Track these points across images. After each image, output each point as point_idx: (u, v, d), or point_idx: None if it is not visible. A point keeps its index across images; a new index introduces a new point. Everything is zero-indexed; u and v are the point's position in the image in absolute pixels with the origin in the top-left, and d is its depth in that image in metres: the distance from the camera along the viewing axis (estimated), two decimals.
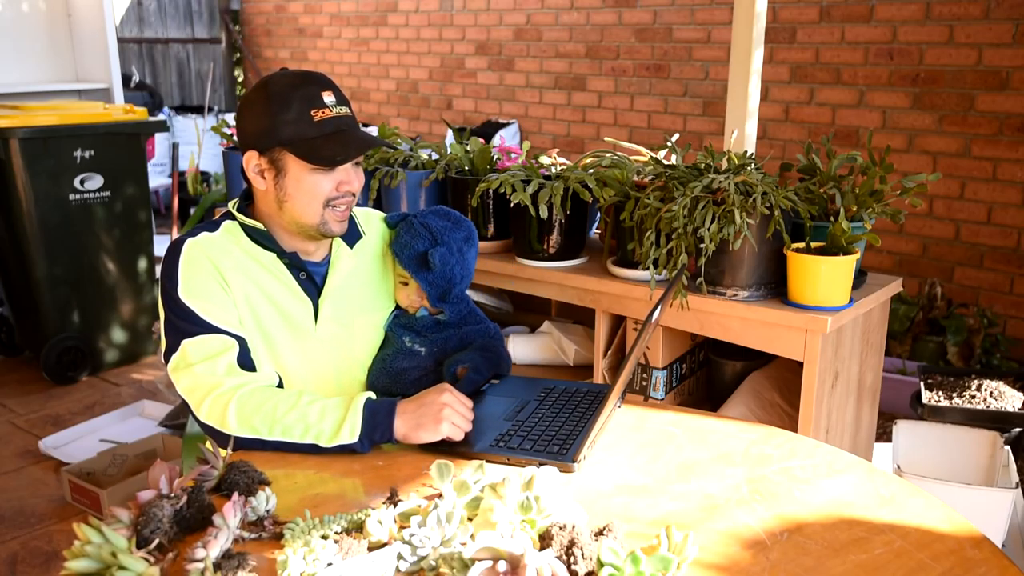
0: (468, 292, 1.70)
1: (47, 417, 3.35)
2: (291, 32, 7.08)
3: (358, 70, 6.55)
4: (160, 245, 4.12)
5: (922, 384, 2.89)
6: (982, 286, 3.75)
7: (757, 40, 2.45)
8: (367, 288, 1.64)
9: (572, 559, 0.95)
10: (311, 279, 1.56)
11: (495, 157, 2.29)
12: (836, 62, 4.04)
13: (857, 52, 3.97)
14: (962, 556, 1.06)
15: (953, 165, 3.75)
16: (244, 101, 1.51)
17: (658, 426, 1.44)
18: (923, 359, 3.46)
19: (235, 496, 1.06)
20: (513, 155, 2.32)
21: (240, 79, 7.81)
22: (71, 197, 3.52)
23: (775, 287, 1.83)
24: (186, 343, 1.41)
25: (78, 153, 3.50)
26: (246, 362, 1.43)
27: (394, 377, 1.59)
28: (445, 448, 1.33)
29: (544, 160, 2.25)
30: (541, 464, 1.22)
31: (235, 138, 2.62)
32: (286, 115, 1.44)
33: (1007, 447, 2.35)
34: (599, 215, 2.30)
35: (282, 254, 1.53)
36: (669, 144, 2.08)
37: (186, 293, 1.43)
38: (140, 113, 3.73)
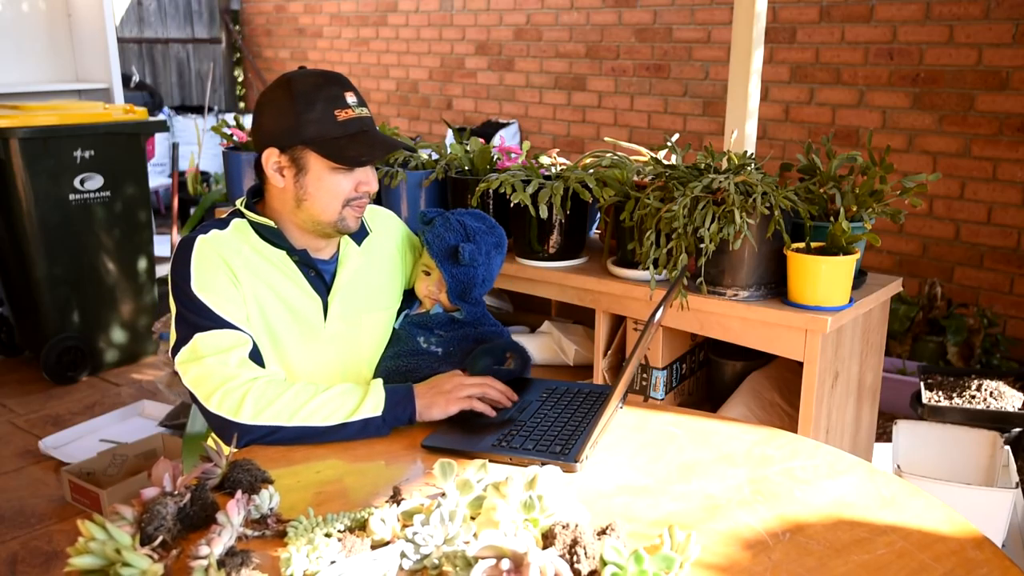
0: None
1: (47, 417, 3.35)
2: (291, 32, 7.08)
3: (358, 70, 6.55)
4: (160, 245, 4.12)
5: (922, 384, 2.90)
6: (982, 286, 3.76)
7: (757, 40, 2.45)
8: (375, 286, 1.65)
9: (575, 558, 0.95)
10: (320, 277, 1.57)
11: (495, 157, 2.29)
12: (836, 62, 4.05)
13: (857, 52, 3.97)
14: (964, 557, 1.06)
15: (953, 165, 3.75)
16: (265, 99, 1.50)
17: (660, 427, 1.45)
18: (923, 359, 3.46)
19: (239, 494, 1.07)
20: (513, 155, 2.32)
21: (240, 79, 7.81)
22: (71, 197, 3.52)
23: (775, 287, 1.83)
24: (198, 336, 1.41)
25: (78, 153, 3.50)
26: (256, 359, 1.44)
27: (405, 376, 1.60)
28: (448, 448, 1.34)
29: (544, 160, 2.25)
30: (543, 464, 1.23)
31: (235, 137, 2.62)
32: (310, 114, 1.45)
33: (1007, 447, 2.35)
34: (599, 215, 2.30)
35: (292, 251, 1.54)
36: (669, 144, 2.08)
37: (199, 287, 1.43)
38: (140, 113, 3.73)
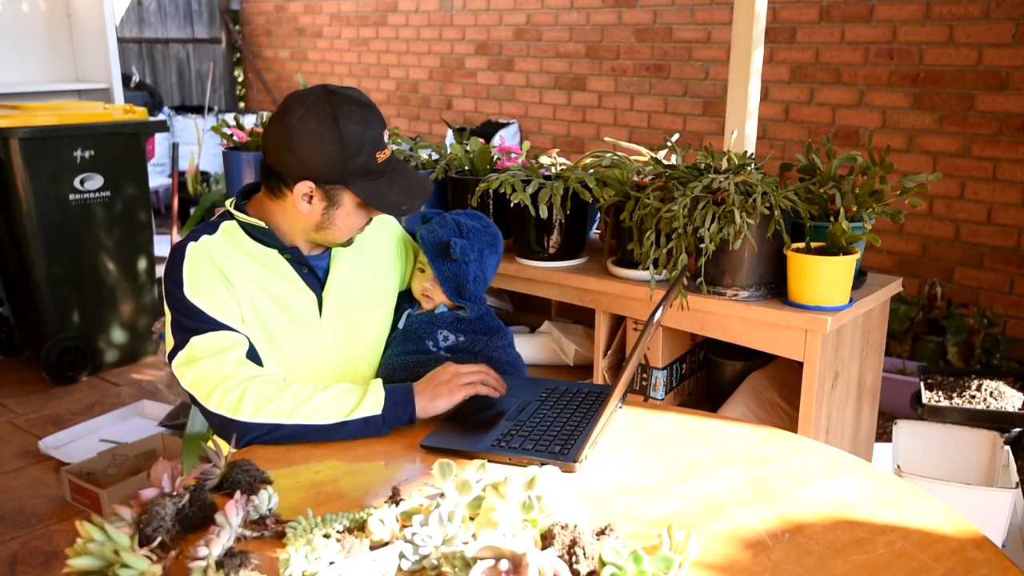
0: None
1: (47, 417, 3.35)
2: (291, 32, 7.08)
3: (358, 70, 6.55)
4: (160, 245, 4.12)
5: (922, 384, 2.89)
6: (982, 286, 3.75)
7: (757, 40, 2.45)
8: (370, 281, 1.66)
9: (574, 558, 0.95)
10: (313, 273, 1.57)
11: (495, 157, 2.29)
12: (836, 62, 4.04)
13: (857, 52, 3.97)
14: (963, 557, 1.06)
15: (953, 165, 3.75)
16: (307, 129, 1.43)
17: (660, 427, 1.45)
18: (923, 359, 3.46)
19: (237, 495, 1.07)
20: (513, 155, 2.32)
21: (240, 79, 7.81)
22: (71, 197, 3.52)
23: (775, 287, 1.83)
24: (194, 340, 1.41)
25: (78, 153, 3.50)
26: (253, 359, 1.45)
27: (410, 374, 1.60)
28: (447, 448, 1.34)
29: (544, 160, 2.25)
30: (543, 464, 1.23)
31: (235, 137, 2.62)
32: (357, 159, 1.45)
33: (1007, 447, 2.35)
34: (599, 215, 2.30)
35: (283, 250, 1.54)
36: (669, 144, 2.08)
37: (192, 292, 1.44)
38: (140, 113, 3.73)
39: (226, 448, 1.29)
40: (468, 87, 5.82)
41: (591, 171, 2.04)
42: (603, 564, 0.93)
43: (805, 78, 4.16)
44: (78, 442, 3.09)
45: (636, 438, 1.40)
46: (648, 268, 1.83)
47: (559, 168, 2.16)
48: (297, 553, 0.98)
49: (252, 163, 2.53)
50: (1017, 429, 2.68)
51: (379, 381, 1.43)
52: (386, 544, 1.04)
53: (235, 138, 2.62)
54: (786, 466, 1.30)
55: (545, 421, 1.41)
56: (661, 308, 1.27)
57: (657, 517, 1.15)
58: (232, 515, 1.03)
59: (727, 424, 1.46)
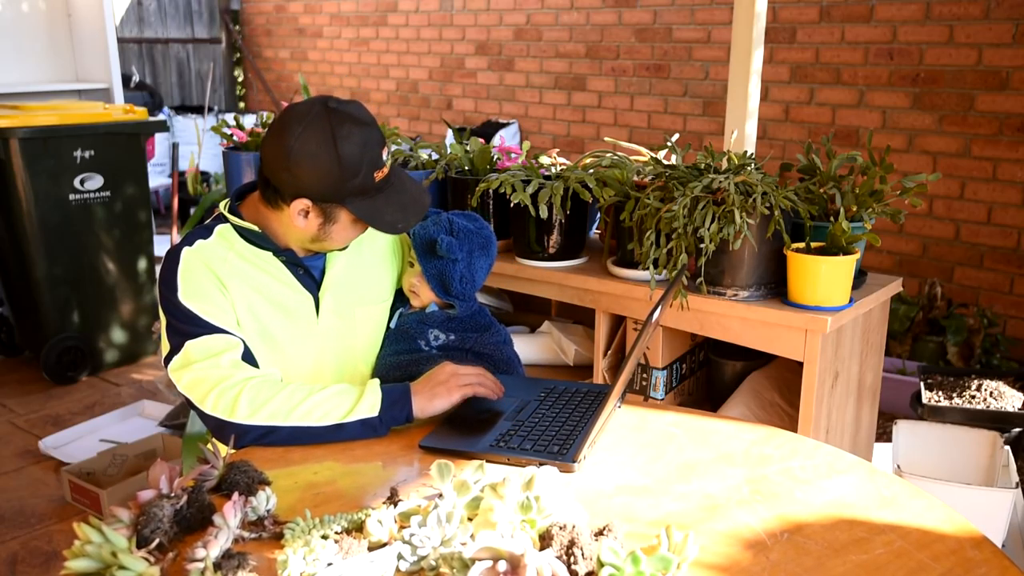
0: None
1: (47, 417, 3.35)
2: (291, 32, 7.08)
3: (358, 70, 6.55)
4: (160, 245, 4.12)
5: (922, 384, 2.89)
6: (982, 286, 3.75)
7: (757, 40, 2.45)
8: (366, 279, 1.66)
9: (572, 559, 0.95)
10: (309, 273, 1.57)
11: (495, 157, 2.29)
12: (836, 62, 4.04)
13: (857, 52, 3.97)
14: (963, 556, 1.06)
15: (953, 165, 3.75)
16: (305, 149, 1.41)
17: (659, 426, 1.44)
18: (923, 359, 3.46)
19: (235, 496, 1.06)
20: (513, 155, 2.32)
21: (240, 79, 7.81)
22: (71, 197, 3.52)
23: (775, 287, 1.83)
24: (189, 344, 1.41)
25: (78, 153, 3.50)
26: (249, 362, 1.44)
27: (405, 373, 1.60)
28: (446, 448, 1.34)
29: (544, 160, 2.25)
30: (541, 464, 1.22)
31: (235, 137, 2.62)
32: (355, 180, 1.44)
33: (1007, 447, 2.35)
34: (599, 215, 2.30)
35: (278, 252, 1.54)
36: (669, 144, 2.07)
37: (186, 297, 1.44)
38: (140, 113, 3.73)
39: (224, 449, 1.29)
40: (468, 87, 5.82)
41: (591, 171, 2.04)
42: (601, 565, 0.92)
43: (805, 78, 4.16)
44: (78, 442, 3.09)
45: (635, 438, 1.40)
46: (648, 268, 1.83)
47: (559, 168, 2.16)
48: (295, 554, 0.97)
49: (252, 163, 2.53)
50: (1017, 429, 2.68)
51: (376, 382, 1.42)
52: (384, 545, 1.04)
53: (235, 138, 2.62)
54: (785, 466, 1.30)
55: (544, 421, 1.41)
56: (660, 307, 1.27)
57: (656, 517, 1.14)
58: (230, 516, 1.03)
59: (726, 424, 1.46)
